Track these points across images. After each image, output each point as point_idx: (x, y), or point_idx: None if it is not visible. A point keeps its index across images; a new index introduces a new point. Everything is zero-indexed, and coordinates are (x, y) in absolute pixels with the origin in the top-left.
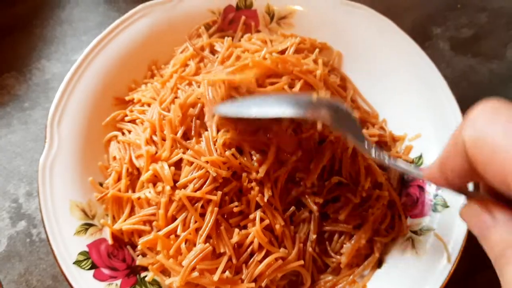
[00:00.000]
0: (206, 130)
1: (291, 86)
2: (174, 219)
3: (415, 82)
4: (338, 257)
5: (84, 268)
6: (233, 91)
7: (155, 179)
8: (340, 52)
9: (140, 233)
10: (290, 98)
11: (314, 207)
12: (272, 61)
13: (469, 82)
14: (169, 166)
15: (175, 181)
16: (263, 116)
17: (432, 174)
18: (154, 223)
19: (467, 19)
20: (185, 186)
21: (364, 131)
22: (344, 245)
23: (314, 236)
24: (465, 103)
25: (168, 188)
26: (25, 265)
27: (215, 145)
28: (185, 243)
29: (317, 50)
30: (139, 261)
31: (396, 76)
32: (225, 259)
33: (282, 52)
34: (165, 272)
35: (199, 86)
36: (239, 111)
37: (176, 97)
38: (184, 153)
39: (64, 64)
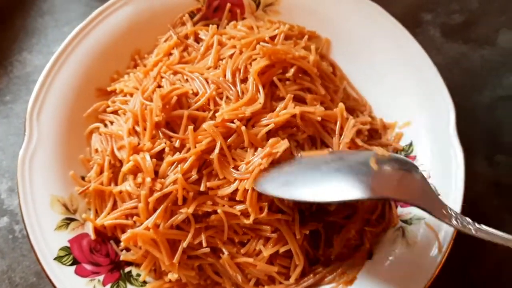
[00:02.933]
0: (193, 123)
1: (284, 72)
2: (155, 211)
3: (405, 68)
4: (329, 248)
5: (65, 264)
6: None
7: (136, 170)
8: (329, 39)
9: (123, 228)
10: (348, 174)
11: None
12: (264, 53)
13: (461, 68)
14: (151, 157)
15: (156, 172)
16: (319, 201)
17: None
18: (135, 218)
19: (458, 4)
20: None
21: (355, 119)
22: (334, 236)
23: (307, 232)
24: (457, 90)
25: (148, 179)
26: (7, 262)
27: None
28: None
29: (306, 36)
30: (123, 256)
31: (385, 63)
32: None
33: (271, 38)
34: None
35: (184, 77)
36: (288, 192)
37: (159, 86)
38: (166, 143)
39: (45, 56)
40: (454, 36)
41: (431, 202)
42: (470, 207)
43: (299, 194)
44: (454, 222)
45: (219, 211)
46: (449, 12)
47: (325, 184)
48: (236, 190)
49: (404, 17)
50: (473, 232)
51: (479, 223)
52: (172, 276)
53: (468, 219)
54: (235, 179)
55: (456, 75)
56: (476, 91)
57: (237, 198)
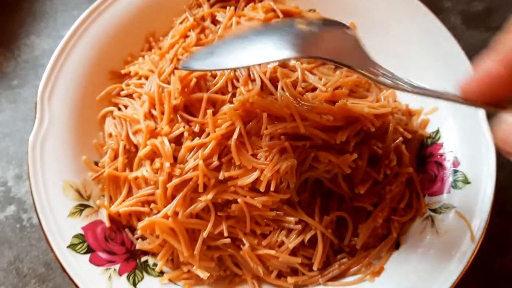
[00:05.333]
0: (213, 106)
1: None
2: (174, 198)
3: (432, 53)
4: (354, 238)
5: (79, 252)
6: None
7: (153, 155)
8: (354, 24)
9: (139, 215)
10: (274, 35)
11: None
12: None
13: None
14: (169, 141)
15: (175, 158)
16: (246, 65)
17: (471, 88)
18: (152, 205)
19: None
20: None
21: (378, 104)
22: (360, 225)
23: (334, 219)
24: None
25: (167, 164)
26: (15, 252)
27: None
28: None
29: None
30: (139, 245)
31: (410, 47)
32: None
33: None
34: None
35: None
36: (212, 63)
37: (176, 68)
38: (185, 127)
39: (54, 39)
40: (475, 24)
41: (360, 59)
42: (496, 196)
43: (224, 63)
44: (383, 79)
45: (239, 200)
46: None
47: (250, 48)
48: (256, 180)
49: (424, 4)
50: (409, 89)
51: (504, 214)
52: (204, 274)
53: (402, 77)
54: (254, 168)
55: None
56: None
57: (261, 190)
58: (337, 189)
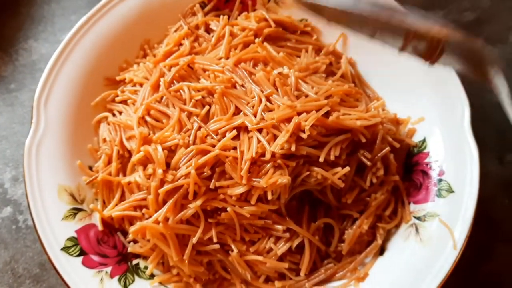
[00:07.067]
0: None
1: None
2: (165, 203)
3: (419, 64)
4: (340, 244)
5: (72, 255)
6: None
7: (146, 161)
8: (345, 34)
9: (131, 219)
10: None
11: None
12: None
13: None
14: (163, 149)
15: (167, 164)
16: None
17: None
18: (144, 210)
19: (470, 2)
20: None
21: (368, 114)
22: (346, 231)
23: (322, 225)
24: (468, 88)
25: (160, 171)
26: (10, 253)
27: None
28: None
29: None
30: (131, 248)
31: (398, 58)
32: None
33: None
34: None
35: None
36: None
37: None
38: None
39: (52, 44)
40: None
41: None
42: (481, 206)
43: None
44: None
45: (229, 209)
46: (460, 9)
47: None
48: (245, 192)
49: None
50: None
51: (489, 223)
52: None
53: None
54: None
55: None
56: (488, 90)
57: (252, 203)
58: (325, 199)
